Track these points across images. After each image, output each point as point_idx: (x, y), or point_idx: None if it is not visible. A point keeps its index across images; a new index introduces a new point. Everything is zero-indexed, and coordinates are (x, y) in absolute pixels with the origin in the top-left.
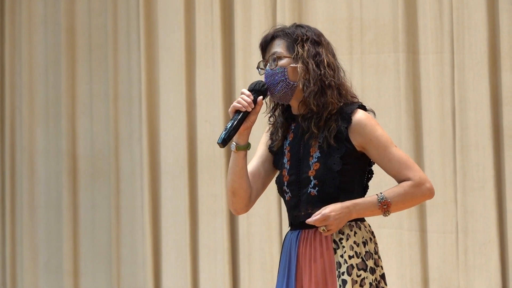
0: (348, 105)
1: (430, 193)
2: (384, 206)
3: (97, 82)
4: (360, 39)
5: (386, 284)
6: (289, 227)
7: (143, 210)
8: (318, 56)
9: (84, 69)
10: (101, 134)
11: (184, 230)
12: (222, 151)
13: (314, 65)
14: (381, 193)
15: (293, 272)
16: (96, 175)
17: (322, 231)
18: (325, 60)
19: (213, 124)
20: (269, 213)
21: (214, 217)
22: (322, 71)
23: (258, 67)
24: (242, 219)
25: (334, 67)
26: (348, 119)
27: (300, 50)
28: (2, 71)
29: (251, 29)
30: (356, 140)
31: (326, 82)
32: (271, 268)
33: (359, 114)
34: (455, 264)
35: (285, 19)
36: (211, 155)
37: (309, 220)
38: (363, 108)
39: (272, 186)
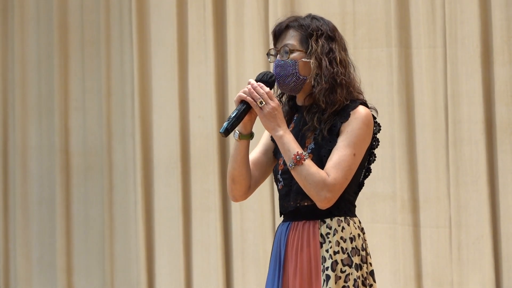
0: (353, 102)
1: (323, 200)
2: (297, 158)
3: (90, 78)
4: (353, 33)
5: (374, 281)
6: (281, 218)
7: (136, 205)
8: (331, 53)
9: (77, 65)
10: (94, 130)
11: (177, 225)
12: (215, 146)
13: (327, 63)
14: (307, 154)
15: (282, 263)
16: (89, 171)
17: (259, 102)
18: (338, 57)
19: (206, 119)
20: (262, 208)
21: (207, 212)
22: (335, 69)
23: (268, 54)
24: (235, 214)
25: (345, 64)
26: (346, 115)
27: (314, 45)
28: None
29: (244, 25)
30: (341, 130)
31: (338, 81)
32: (265, 263)
33: (359, 110)
34: (448, 259)
35: (277, 14)
36: (204, 151)
37: (252, 81)
38: (365, 105)
39: (266, 183)
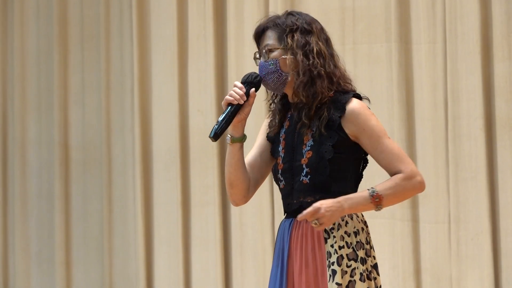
0: (342, 93)
1: (421, 186)
2: (376, 200)
3: (89, 72)
4: (353, 29)
5: (378, 274)
6: (284, 215)
7: (135, 200)
8: (307, 45)
9: (76, 59)
10: (93, 124)
11: (176, 220)
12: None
13: (302, 56)
14: (372, 187)
15: (285, 260)
16: (88, 165)
17: (314, 225)
18: (315, 49)
19: (205, 114)
20: (261, 203)
21: (206, 207)
22: (311, 61)
23: (254, 58)
24: (234, 209)
25: (325, 55)
26: (342, 108)
27: (289, 41)
28: None
29: (244, 19)
30: (349, 129)
31: (315, 72)
32: (263, 259)
33: (354, 103)
34: (447, 254)
35: (277, 9)
36: (204, 145)
37: (300, 216)
38: (358, 96)
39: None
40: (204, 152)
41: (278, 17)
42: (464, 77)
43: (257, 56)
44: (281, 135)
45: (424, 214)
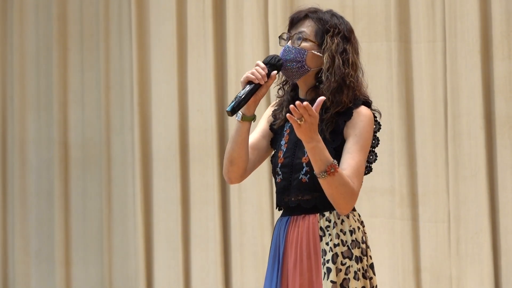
0: (356, 101)
1: (348, 208)
2: (331, 170)
3: (89, 71)
4: (352, 27)
5: (374, 274)
6: (279, 211)
7: (135, 198)
8: (345, 53)
9: (76, 57)
10: (92, 122)
11: (176, 219)
12: (214, 140)
13: (340, 62)
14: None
15: (281, 258)
16: (87, 164)
17: (298, 119)
18: (351, 59)
19: (205, 113)
20: (261, 202)
21: (206, 206)
22: (346, 70)
23: (280, 37)
24: (234, 208)
25: (356, 68)
26: (349, 114)
27: (329, 41)
28: None
29: (243, 18)
30: (346, 131)
31: (347, 82)
32: (263, 257)
33: (362, 110)
34: (447, 253)
35: (276, 8)
36: (203, 144)
37: (298, 103)
38: (368, 105)
39: (264, 176)
40: (204, 150)
41: (322, 12)
42: (463, 76)
43: (284, 37)
44: (285, 129)
45: (424, 213)
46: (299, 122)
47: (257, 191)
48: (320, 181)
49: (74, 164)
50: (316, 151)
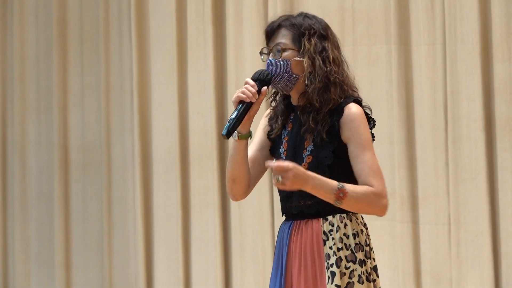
0: (346, 98)
1: (383, 210)
2: (340, 195)
3: (89, 74)
4: (352, 30)
5: (378, 276)
6: (283, 217)
7: (135, 201)
8: (324, 51)
9: (76, 60)
10: (92, 125)
11: (176, 222)
12: (214, 143)
13: (320, 61)
14: (343, 183)
15: (284, 263)
16: (87, 167)
17: (275, 180)
18: (331, 56)
19: (204, 115)
20: (261, 205)
21: (206, 208)
22: (328, 68)
23: (261, 53)
24: (234, 210)
25: (338, 62)
26: (340, 111)
27: (307, 44)
28: None
29: (243, 21)
30: (343, 133)
31: (332, 79)
32: (263, 260)
33: (351, 107)
34: (447, 256)
35: (277, 10)
36: (203, 147)
37: (269, 163)
38: (358, 102)
39: (264, 180)
40: (204, 153)
41: (293, 17)
42: (463, 79)
43: (265, 51)
44: (283, 137)
45: (424, 216)
46: (281, 182)
47: (257, 194)
48: (340, 206)
49: (74, 167)
50: (317, 189)
